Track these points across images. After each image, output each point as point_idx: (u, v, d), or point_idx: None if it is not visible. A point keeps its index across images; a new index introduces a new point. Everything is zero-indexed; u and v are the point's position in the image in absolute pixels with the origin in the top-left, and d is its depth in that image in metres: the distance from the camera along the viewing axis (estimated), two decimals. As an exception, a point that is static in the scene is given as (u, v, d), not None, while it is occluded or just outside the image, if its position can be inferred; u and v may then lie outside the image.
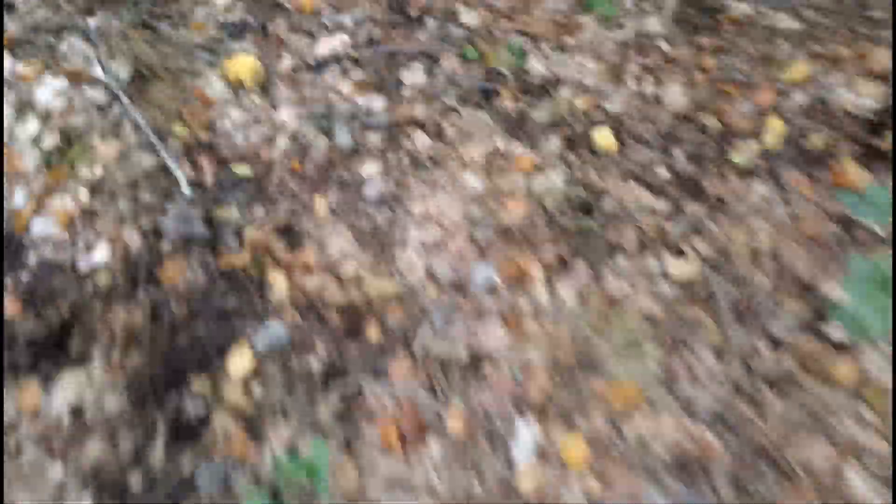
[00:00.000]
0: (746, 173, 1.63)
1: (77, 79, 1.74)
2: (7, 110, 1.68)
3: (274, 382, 1.35)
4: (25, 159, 1.62)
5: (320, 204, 1.63)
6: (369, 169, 1.69)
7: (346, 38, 1.91)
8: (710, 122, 1.73)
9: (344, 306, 1.47)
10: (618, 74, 1.85)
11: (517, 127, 1.77)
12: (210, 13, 1.95)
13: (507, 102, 1.82)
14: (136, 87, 1.76)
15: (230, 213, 1.60)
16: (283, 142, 1.72)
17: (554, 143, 1.73)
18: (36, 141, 1.65)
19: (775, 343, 1.38)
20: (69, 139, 1.66)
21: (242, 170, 1.67)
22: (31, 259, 1.49)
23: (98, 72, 1.75)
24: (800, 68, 1.80)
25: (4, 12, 1.90)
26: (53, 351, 1.38)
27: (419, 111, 1.79)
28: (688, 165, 1.66)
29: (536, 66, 1.88)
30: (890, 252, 1.46)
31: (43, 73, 1.75)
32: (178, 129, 1.70)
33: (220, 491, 1.24)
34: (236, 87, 1.80)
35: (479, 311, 1.45)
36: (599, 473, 1.24)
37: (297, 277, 1.51)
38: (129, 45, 1.82)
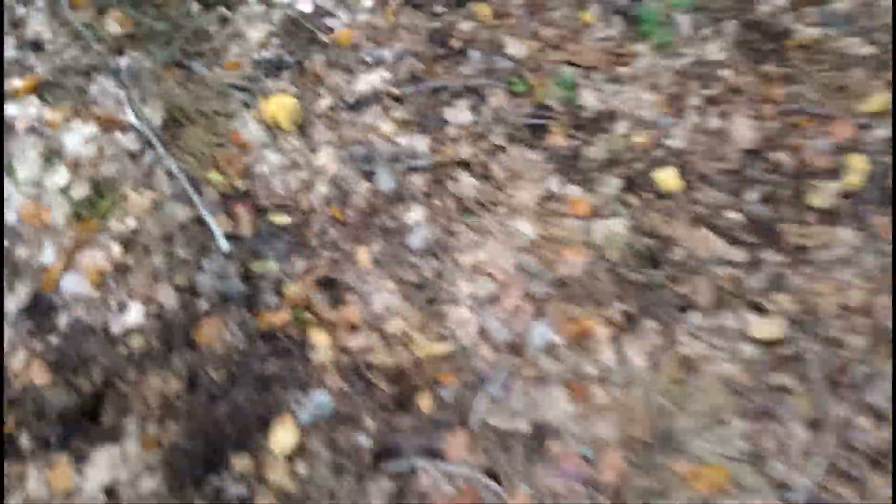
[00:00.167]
0: (828, 217, 1.49)
1: (108, 124, 1.66)
2: (35, 159, 1.61)
3: (320, 460, 1.25)
4: (54, 212, 1.54)
5: (363, 254, 1.53)
6: (413, 215, 1.59)
7: (386, 73, 1.80)
8: (784, 158, 1.59)
9: (392, 370, 1.36)
10: (678, 107, 1.72)
11: (571, 166, 1.65)
12: (244, 49, 1.86)
13: (558, 139, 1.70)
14: (170, 132, 1.67)
15: (268, 266, 1.50)
16: (322, 187, 1.62)
17: (612, 184, 1.60)
18: (65, 191, 1.57)
19: (875, 414, 1.23)
20: (100, 189, 1.57)
21: (281, 219, 1.58)
22: (62, 321, 1.41)
23: (130, 116, 1.67)
24: (878, 98, 1.65)
25: (32, 53, 1.84)
26: (85, 424, 1.29)
27: (465, 151, 1.68)
28: (762, 208, 1.52)
29: (589, 99, 1.76)
30: None
31: (72, 118, 1.68)
32: (214, 176, 1.61)
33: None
34: (273, 128, 1.71)
35: (540, 377, 1.33)
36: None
37: (341, 336, 1.41)
38: (162, 87, 1.74)
